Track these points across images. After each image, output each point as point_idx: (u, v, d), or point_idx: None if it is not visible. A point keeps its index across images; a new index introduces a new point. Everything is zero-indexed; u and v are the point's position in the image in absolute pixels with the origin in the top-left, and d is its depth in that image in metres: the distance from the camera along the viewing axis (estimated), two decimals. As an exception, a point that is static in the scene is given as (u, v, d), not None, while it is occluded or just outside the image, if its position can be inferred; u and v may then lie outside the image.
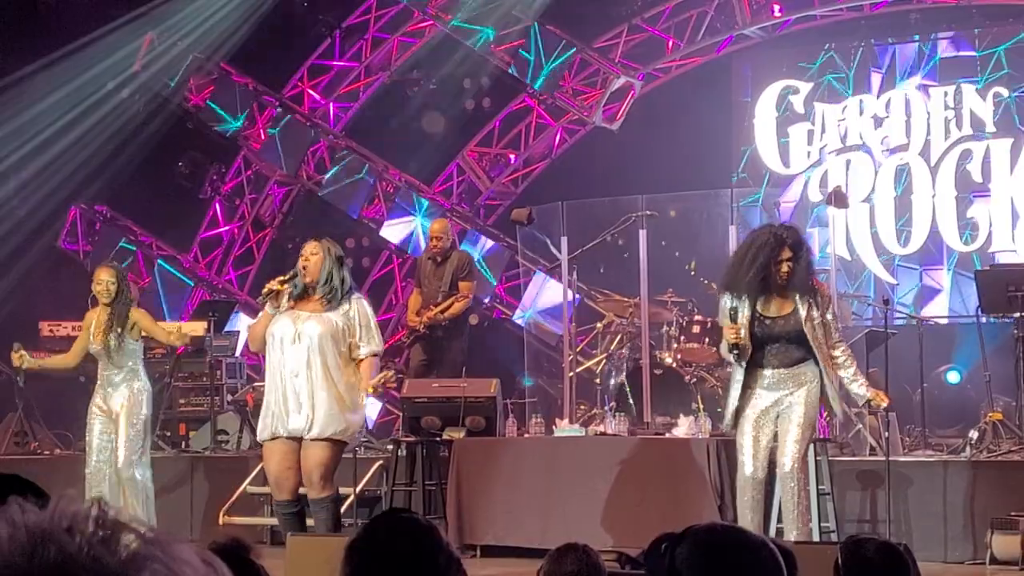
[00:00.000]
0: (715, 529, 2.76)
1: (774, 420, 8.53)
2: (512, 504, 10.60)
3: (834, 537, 9.47)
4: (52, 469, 12.53)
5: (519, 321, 15.51)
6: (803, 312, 8.46)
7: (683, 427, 10.38)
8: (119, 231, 17.27)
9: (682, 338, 11.96)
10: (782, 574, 2.67)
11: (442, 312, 12.49)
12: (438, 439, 11.09)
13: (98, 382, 10.24)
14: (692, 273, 12.95)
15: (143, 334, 10.19)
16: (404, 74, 17.01)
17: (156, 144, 17.07)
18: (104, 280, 10.12)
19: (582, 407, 12.31)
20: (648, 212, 12.02)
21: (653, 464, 10.19)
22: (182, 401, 13.77)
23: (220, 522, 11.43)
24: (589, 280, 13.28)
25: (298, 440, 8.84)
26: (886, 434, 10.41)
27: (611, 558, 8.09)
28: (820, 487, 9.76)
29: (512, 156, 16.77)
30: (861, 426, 10.95)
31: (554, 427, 11.11)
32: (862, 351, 11.66)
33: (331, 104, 17.28)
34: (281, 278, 8.90)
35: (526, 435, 11.28)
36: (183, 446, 13.17)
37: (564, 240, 12.14)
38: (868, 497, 10.14)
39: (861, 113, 15.22)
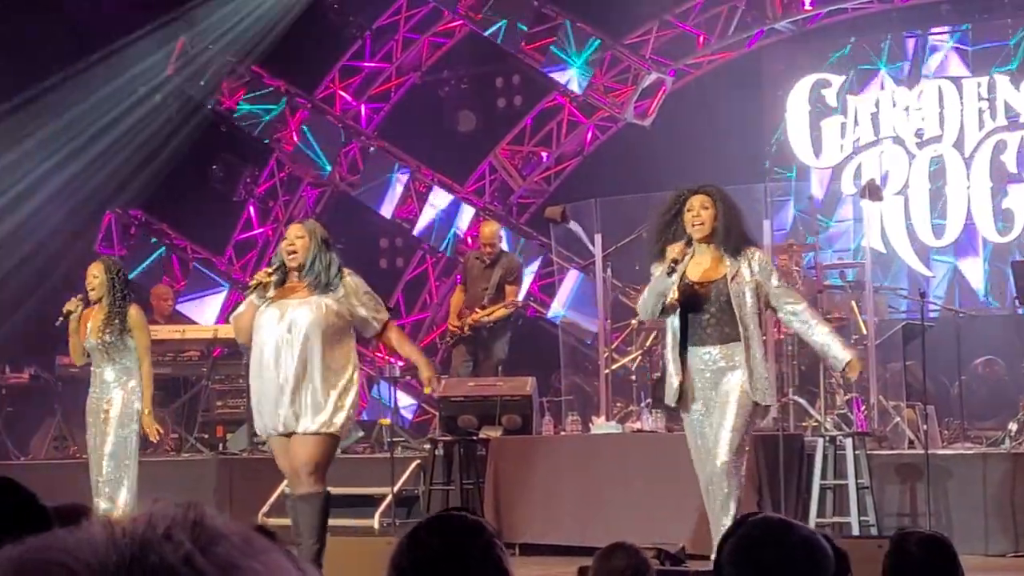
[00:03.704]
0: (758, 524, 2.72)
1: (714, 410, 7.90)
2: (550, 502, 10.59)
3: (873, 531, 9.45)
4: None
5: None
6: (731, 274, 7.83)
7: (720, 423, 10.33)
8: (154, 235, 17.35)
9: (717, 334, 11.89)
10: (823, 571, 2.63)
11: (487, 315, 12.47)
12: (475, 438, 11.10)
13: (91, 381, 9.69)
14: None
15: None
16: (435, 74, 17.03)
17: (190, 148, 17.13)
18: (95, 274, 9.59)
19: (618, 404, 12.30)
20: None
21: (691, 460, 10.12)
22: (219, 403, 13.80)
23: (259, 524, 11.44)
24: (623, 276, 13.25)
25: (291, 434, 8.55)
26: (924, 427, 10.36)
27: (651, 555, 8.06)
28: (859, 480, 9.73)
29: (544, 154, 16.76)
30: (899, 419, 10.90)
31: (591, 425, 11.11)
32: (899, 345, 11.62)
33: (363, 105, 17.32)
34: (267, 269, 8.47)
35: (563, 433, 11.28)
36: (220, 448, 13.20)
37: (598, 237, 12.12)
38: (907, 490, 10.09)
39: (894, 105, 15.14)
